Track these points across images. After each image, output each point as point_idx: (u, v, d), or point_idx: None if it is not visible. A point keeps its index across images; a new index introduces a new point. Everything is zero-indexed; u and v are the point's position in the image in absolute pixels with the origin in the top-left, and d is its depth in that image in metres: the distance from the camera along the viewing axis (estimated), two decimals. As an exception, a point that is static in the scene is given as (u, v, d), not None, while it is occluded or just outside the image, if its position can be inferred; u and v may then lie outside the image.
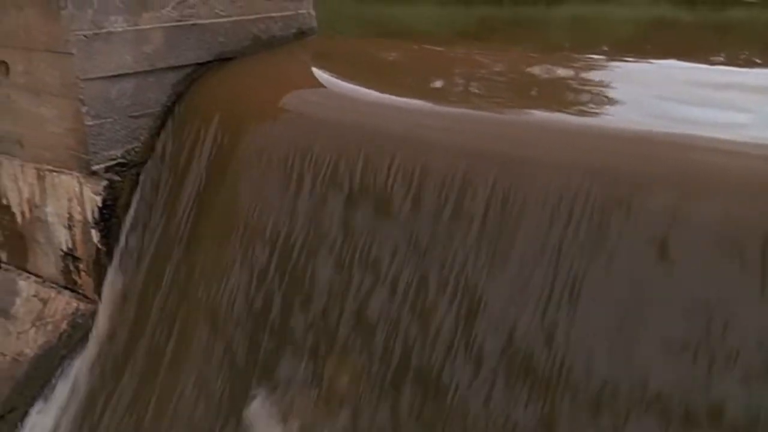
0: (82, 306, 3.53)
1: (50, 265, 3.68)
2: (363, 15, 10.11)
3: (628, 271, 2.05)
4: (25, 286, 3.83)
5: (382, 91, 3.08)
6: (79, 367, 3.43)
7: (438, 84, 3.25)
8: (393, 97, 3.00)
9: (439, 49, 4.16)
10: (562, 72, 3.32)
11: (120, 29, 3.24)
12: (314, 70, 3.66)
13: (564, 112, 2.68)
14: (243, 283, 2.84)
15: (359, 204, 2.62)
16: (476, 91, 3.13)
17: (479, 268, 2.29)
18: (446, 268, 2.36)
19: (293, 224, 2.75)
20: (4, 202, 3.80)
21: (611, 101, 2.83)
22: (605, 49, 5.31)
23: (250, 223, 2.88)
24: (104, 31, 3.18)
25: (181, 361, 2.97)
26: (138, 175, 3.38)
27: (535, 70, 3.37)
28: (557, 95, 2.97)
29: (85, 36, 3.12)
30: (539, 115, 2.66)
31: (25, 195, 3.67)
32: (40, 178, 3.54)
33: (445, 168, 2.44)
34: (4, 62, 3.46)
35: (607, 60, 3.65)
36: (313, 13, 4.17)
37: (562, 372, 2.09)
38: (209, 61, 3.60)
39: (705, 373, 1.87)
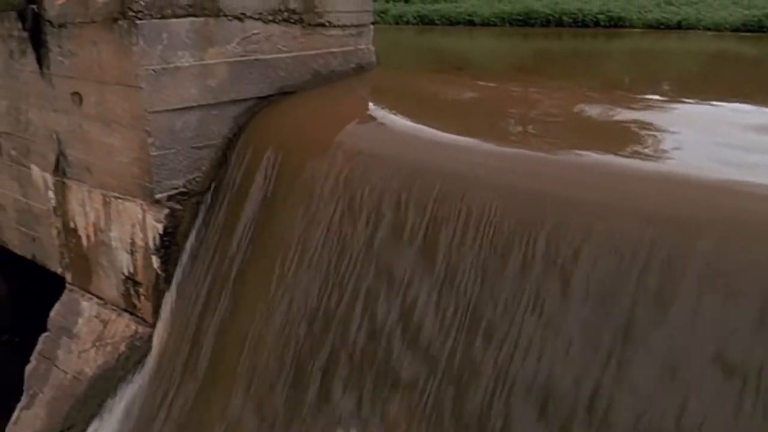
0: (140, 329, 3.64)
1: (112, 288, 3.80)
2: (422, 45, 10.23)
3: (680, 317, 2.03)
4: (88, 307, 3.97)
5: (436, 129, 3.11)
6: (135, 389, 3.53)
7: (492, 123, 3.28)
8: (447, 135, 3.03)
9: (494, 85, 4.18)
10: (620, 113, 3.31)
11: (186, 64, 3.36)
12: (370, 105, 3.74)
13: (621, 155, 2.67)
14: (292, 313, 2.89)
15: (410, 240, 2.65)
16: (531, 130, 3.14)
17: (531, 310, 2.29)
18: (498, 309, 2.37)
19: (343, 257, 2.80)
20: (72, 225, 3.96)
21: (670, 145, 2.80)
22: (665, 86, 5.25)
23: (301, 255, 2.94)
24: (172, 65, 3.31)
25: (231, 388, 3.02)
26: (198, 204, 3.49)
27: (593, 110, 3.36)
28: (615, 137, 2.96)
29: (154, 71, 3.25)
30: (596, 157, 2.66)
31: (91, 219, 3.81)
32: (106, 204, 3.68)
33: (497, 208, 2.46)
34: (78, 93, 3.62)
35: (667, 101, 3.62)
36: (372, 48, 4.26)
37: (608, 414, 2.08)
38: (270, 95, 3.71)
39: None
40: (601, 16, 11.02)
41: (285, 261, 2.94)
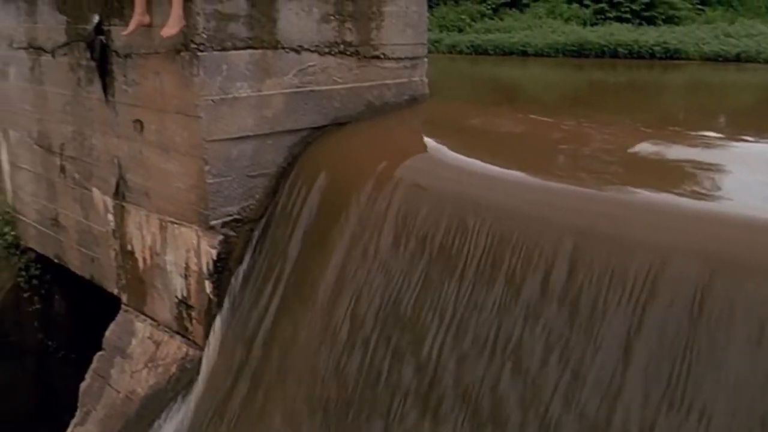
0: (191, 352, 3.72)
1: (165, 311, 3.90)
2: (474, 75, 10.28)
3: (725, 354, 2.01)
4: (141, 328, 4.07)
5: (486, 162, 3.13)
6: (184, 410, 3.59)
7: (544, 158, 3.27)
8: (497, 169, 3.04)
9: (546, 119, 4.18)
10: (674, 150, 3.28)
11: (244, 95, 3.46)
12: (422, 137, 3.78)
13: (672, 193, 2.64)
14: (335, 343, 2.91)
15: (457, 272, 2.66)
16: (582, 166, 3.13)
17: (573, 347, 2.28)
18: (544, 344, 2.37)
19: (389, 287, 2.83)
20: (129, 247, 4.08)
21: (723, 185, 2.77)
22: (722, 121, 5.17)
23: (347, 283, 2.97)
24: (230, 96, 3.41)
25: (272, 413, 3.06)
26: (252, 231, 3.56)
27: (646, 147, 3.33)
28: (667, 175, 2.93)
29: (212, 101, 3.36)
30: (647, 195, 2.64)
31: (148, 243, 3.93)
32: (163, 228, 3.78)
33: (544, 243, 2.47)
34: (139, 121, 3.76)
35: (723, 138, 3.57)
36: (425, 80, 4.31)
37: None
38: (324, 125, 3.78)
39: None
40: (657, 48, 10.93)
41: (330, 289, 2.97)
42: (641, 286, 2.22)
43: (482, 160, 3.16)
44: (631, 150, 3.31)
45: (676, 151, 3.28)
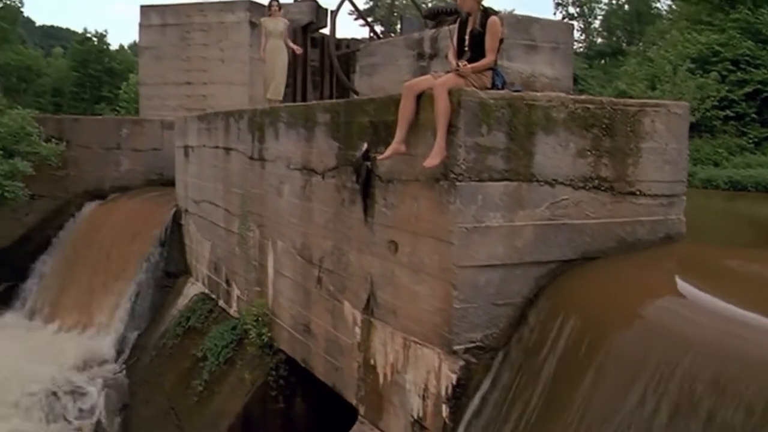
0: (421, 474, 3.70)
1: (399, 428, 3.95)
2: (734, 213, 9.61)
3: None
4: (375, 442, 4.15)
5: (753, 313, 2.86)
6: None
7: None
8: (761, 319, 2.77)
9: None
10: None
11: (496, 224, 3.54)
12: (679, 279, 3.56)
13: None
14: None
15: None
16: None
17: None
18: None
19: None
20: (372, 362, 4.24)
21: None
22: None
23: None
24: (483, 225, 3.51)
25: None
26: (492, 360, 3.54)
27: None
28: None
29: (466, 228, 3.47)
30: None
31: (390, 359, 4.05)
32: (406, 347, 3.89)
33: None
34: (394, 242, 3.98)
35: None
36: (683, 219, 4.12)
37: None
38: (574, 259, 3.73)
39: None
40: None
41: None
42: None
43: (744, 309, 2.90)
44: None
45: None
